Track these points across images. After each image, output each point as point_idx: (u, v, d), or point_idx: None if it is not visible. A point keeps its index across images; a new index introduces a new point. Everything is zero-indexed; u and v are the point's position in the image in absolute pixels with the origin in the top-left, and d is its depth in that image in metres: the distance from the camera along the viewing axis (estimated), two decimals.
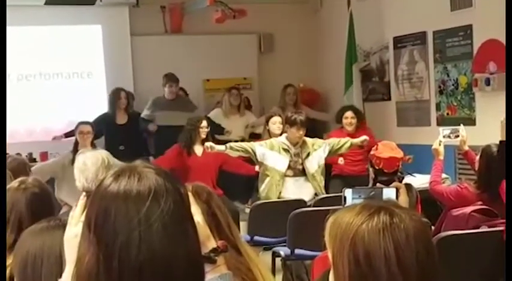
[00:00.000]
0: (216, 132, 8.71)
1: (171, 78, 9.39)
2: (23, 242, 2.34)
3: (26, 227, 2.90)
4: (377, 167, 5.33)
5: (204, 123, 7.70)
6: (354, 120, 8.13)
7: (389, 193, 4.57)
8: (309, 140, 6.94)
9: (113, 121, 9.06)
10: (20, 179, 3.21)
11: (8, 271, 2.55)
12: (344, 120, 8.16)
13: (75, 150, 7.22)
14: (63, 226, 2.29)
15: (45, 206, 3.03)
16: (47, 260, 2.24)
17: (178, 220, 1.51)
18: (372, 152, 5.42)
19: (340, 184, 7.28)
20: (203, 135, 7.60)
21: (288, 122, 6.90)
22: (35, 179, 3.19)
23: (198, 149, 7.61)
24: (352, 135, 7.54)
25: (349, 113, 8.18)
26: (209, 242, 1.88)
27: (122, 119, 9.15)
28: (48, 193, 3.17)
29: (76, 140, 7.57)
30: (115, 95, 9.13)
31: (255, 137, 9.08)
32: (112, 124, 9.03)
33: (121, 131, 9.03)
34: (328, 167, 7.40)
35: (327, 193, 6.96)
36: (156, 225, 1.47)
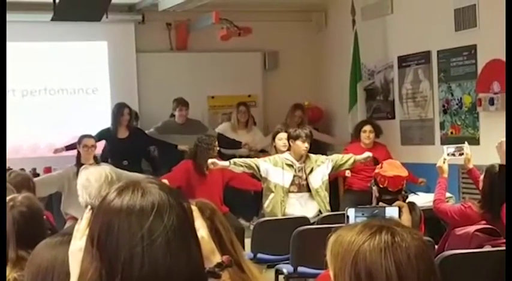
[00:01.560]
0: (233, 146, 8.78)
1: (181, 102, 9.46)
2: (37, 255, 2.34)
3: (12, 248, 2.90)
4: (381, 186, 5.32)
5: (216, 142, 7.74)
6: (372, 135, 8.24)
7: (391, 211, 4.55)
8: (312, 155, 6.95)
9: (115, 136, 9.10)
10: (11, 196, 3.21)
11: None
12: (362, 134, 8.23)
13: (79, 163, 7.24)
14: None
15: (31, 226, 3.02)
16: (58, 274, 2.24)
17: (181, 235, 1.50)
18: (376, 171, 5.41)
19: (351, 199, 7.32)
20: (215, 154, 7.62)
21: (292, 137, 6.92)
22: (25, 197, 3.17)
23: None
24: (370, 150, 7.62)
25: (367, 127, 8.28)
26: (214, 257, 1.88)
27: (123, 133, 9.17)
28: (36, 213, 3.14)
29: (78, 153, 7.56)
30: (118, 111, 9.17)
31: (262, 151, 9.13)
32: (114, 139, 9.07)
33: (122, 145, 9.06)
34: (337, 182, 7.42)
35: (338, 208, 6.97)
36: (159, 240, 1.47)
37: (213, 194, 7.15)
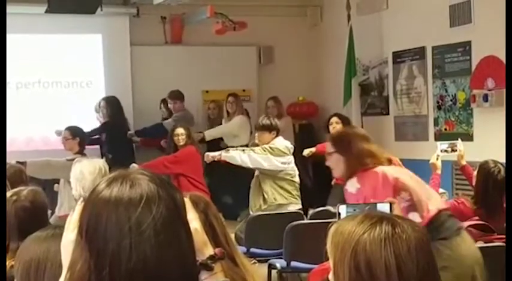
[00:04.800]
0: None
1: (173, 96, 9.56)
2: (27, 247, 2.34)
3: (14, 239, 2.92)
4: None
5: (178, 131, 7.89)
6: (339, 126, 7.86)
7: (383, 207, 4.56)
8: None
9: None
10: (15, 190, 3.21)
11: None
12: (329, 127, 8.03)
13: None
14: None
15: (33, 221, 3.02)
16: (50, 266, 2.24)
17: (171, 227, 1.49)
18: None
19: (341, 193, 7.33)
20: (178, 143, 7.87)
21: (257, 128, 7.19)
22: (30, 192, 3.18)
23: None
24: None
25: (334, 119, 8.08)
26: (206, 249, 1.88)
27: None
28: (40, 207, 3.15)
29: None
30: (118, 103, 9.26)
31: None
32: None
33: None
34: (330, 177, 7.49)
35: (327, 202, 7.00)
36: (147, 232, 1.45)
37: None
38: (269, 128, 7.04)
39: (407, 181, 4.02)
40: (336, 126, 7.97)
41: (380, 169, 3.98)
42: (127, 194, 1.48)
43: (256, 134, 7.18)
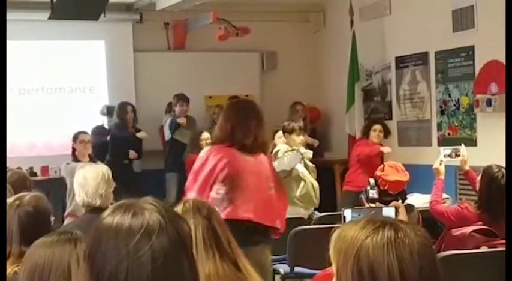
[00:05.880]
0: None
1: (182, 98, 9.52)
2: (33, 252, 2.37)
3: (16, 244, 2.93)
4: (382, 188, 5.33)
5: (204, 135, 7.77)
6: (381, 135, 8.48)
7: (388, 212, 4.56)
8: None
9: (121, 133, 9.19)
10: (17, 195, 3.21)
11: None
12: (372, 133, 8.47)
13: (75, 159, 7.44)
14: (73, 239, 2.32)
15: (36, 226, 3.03)
16: (54, 271, 2.28)
17: (171, 256, 1.53)
18: (378, 173, 5.41)
19: (351, 199, 7.40)
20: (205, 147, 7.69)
21: (287, 130, 7.03)
22: (33, 197, 3.19)
23: None
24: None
25: (377, 126, 8.50)
26: None
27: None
28: (43, 213, 3.16)
29: (74, 149, 7.63)
30: (122, 110, 9.25)
31: None
32: (120, 136, 9.16)
33: (127, 143, 9.19)
34: (334, 183, 7.55)
35: (334, 208, 7.03)
36: (144, 258, 1.50)
37: None
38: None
39: None
40: (379, 134, 8.27)
41: None
42: (128, 222, 1.55)
43: (293, 136, 7.10)
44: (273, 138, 7.76)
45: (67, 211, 7.00)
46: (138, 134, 9.21)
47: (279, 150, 7.11)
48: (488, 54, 7.77)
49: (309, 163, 7.30)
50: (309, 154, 7.20)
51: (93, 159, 7.58)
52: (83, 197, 4.15)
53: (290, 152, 7.00)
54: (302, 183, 6.99)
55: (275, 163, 7.20)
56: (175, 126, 9.35)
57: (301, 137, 7.00)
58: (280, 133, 7.58)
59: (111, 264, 1.51)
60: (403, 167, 5.49)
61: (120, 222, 1.55)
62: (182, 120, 9.34)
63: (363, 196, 5.36)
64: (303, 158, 7.06)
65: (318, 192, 7.06)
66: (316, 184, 7.08)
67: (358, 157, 8.37)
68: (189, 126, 9.25)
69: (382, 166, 5.50)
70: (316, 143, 9.75)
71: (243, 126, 4.45)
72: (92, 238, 1.58)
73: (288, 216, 6.67)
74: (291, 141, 7.00)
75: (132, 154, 9.12)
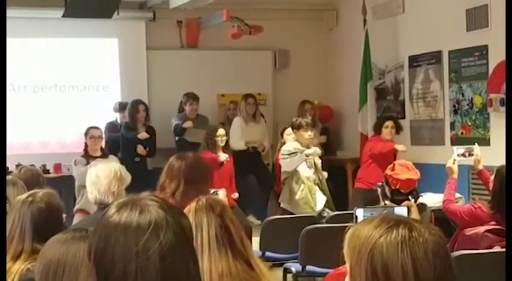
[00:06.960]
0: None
1: (191, 97, 9.52)
2: (47, 249, 2.38)
3: (29, 241, 2.94)
4: (393, 187, 5.33)
5: (220, 132, 7.77)
6: (394, 131, 8.45)
7: (400, 211, 4.55)
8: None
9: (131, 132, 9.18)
10: (31, 191, 3.24)
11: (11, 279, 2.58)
12: (384, 130, 8.44)
13: (87, 155, 7.50)
14: (88, 237, 2.32)
15: (49, 222, 3.04)
16: (68, 269, 2.28)
17: (178, 253, 1.52)
18: (388, 173, 5.40)
19: (361, 197, 7.42)
20: (220, 144, 7.67)
21: (295, 127, 7.09)
22: (45, 193, 3.20)
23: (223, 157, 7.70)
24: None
25: (389, 123, 8.48)
26: None
27: (140, 130, 9.27)
28: (55, 209, 3.17)
29: (86, 144, 7.69)
30: (134, 108, 9.24)
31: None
32: (130, 135, 9.15)
33: (138, 142, 9.17)
34: (346, 181, 7.57)
35: (346, 207, 7.04)
36: (153, 257, 1.48)
37: (225, 184, 7.26)
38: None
39: None
40: (391, 130, 8.28)
41: None
42: (136, 220, 1.52)
43: (301, 132, 7.16)
44: (281, 136, 7.79)
45: (76, 207, 7.03)
46: (139, 135, 9.14)
47: (283, 148, 7.16)
48: (502, 54, 7.72)
49: (318, 161, 7.30)
50: (317, 151, 7.21)
51: (105, 153, 7.61)
52: (95, 194, 4.16)
53: (292, 155, 7.04)
54: (302, 186, 7.02)
55: (281, 162, 7.25)
56: (180, 131, 9.35)
57: (309, 132, 7.07)
58: (289, 130, 7.60)
59: (120, 265, 1.48)
60: (413, 166, 5.49)
61: (128, 220, 1.52)
62: (188, 124, 9.31)
63: (379, 189, 5.36)
64: (306, 158, 7.08)
65: (315, 196, 7.10)
66: (314, 189, 7.08)
67: (370, 152, 8.36)
68: (200, 125, 9.20)
69: (392, 165, 5.50)
70: (322, 139, 9.78)
71: None
72: (98, 237, 1.54)
73: (298, 215, 6.74)
74: (300, 137, 7.10)
75: (140, 149, 9.11)
